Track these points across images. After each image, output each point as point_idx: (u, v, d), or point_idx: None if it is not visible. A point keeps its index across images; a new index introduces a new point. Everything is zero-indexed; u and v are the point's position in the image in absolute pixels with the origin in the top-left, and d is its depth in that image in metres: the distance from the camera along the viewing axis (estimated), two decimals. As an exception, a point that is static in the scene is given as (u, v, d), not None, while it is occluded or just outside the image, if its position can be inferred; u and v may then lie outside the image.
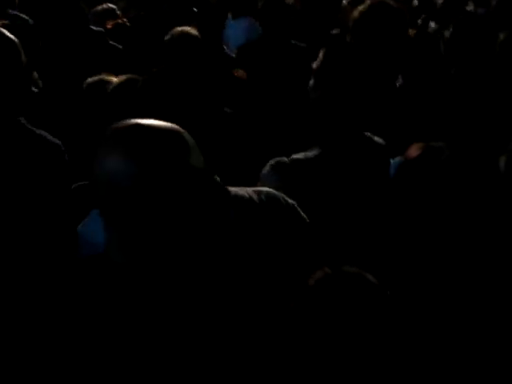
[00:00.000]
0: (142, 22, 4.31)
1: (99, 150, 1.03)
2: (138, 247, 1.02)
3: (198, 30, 3.20)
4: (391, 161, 2.00)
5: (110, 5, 4.87)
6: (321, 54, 1.90)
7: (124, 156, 0.98)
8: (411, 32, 3.15)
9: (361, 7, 2.49)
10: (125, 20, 4.45)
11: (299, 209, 1.29)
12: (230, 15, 4.59)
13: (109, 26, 4.18)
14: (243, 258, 1.15)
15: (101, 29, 3.96)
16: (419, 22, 5.50)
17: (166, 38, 3.07)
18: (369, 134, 1.96)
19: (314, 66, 1.93)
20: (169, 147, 1.01)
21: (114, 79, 2.31)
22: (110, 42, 3.84)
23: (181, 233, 1.02)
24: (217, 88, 2.90)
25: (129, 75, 2.23)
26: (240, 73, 3.24)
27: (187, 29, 3.13)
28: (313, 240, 1.29)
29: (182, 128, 1.05)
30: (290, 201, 1.28)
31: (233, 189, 1.20)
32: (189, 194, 1.01)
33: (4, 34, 1.92)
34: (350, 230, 1.79)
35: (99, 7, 4.71)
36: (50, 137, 2.00)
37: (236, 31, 4.40)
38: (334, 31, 3.97)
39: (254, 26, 4.25)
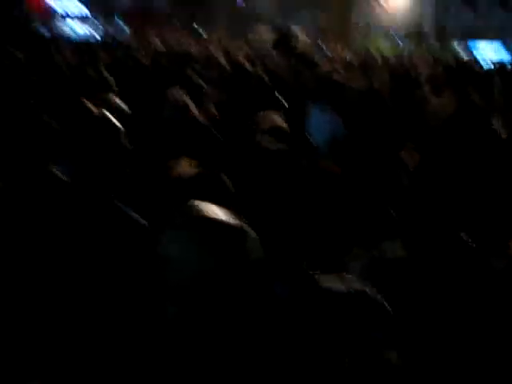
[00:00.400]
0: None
1: (169, 231, 1.16)
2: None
3: (283, 117, 3.23)
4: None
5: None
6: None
7: (197, 247, 1.10)
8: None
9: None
10: None
11: (385, 303, 1.30)
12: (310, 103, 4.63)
13: None
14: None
15: None
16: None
17: (251, 122, 3.08)
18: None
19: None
20: (236, 242, 1.12)
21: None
22: None
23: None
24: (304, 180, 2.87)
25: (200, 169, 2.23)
26: (332, 167, 3.21)
27: (276, 119, 3.15)
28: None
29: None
30: (378, 296, 1.31)
31: (322, 277, 1.27)
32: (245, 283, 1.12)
33: None
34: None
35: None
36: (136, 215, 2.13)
37: (319, 121, 4.34)
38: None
39: (337, 119, 4.27)
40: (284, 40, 6.26)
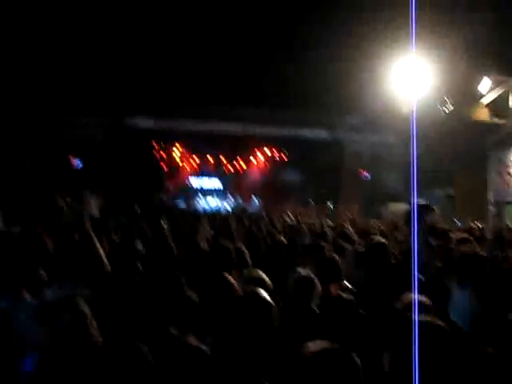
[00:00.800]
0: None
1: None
2: None
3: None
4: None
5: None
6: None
7: None
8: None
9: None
10: None
11: None
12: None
13: None
14: None
15: None
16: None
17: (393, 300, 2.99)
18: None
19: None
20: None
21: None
22: None
23: None
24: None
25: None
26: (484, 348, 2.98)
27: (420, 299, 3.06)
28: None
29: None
30: None
31: None
32: None
33: None
34: None
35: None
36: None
37: (460, 300, 4.23)
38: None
39: (477, 296, 4.13)
40: (417, 215, 6.14)
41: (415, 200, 4.63)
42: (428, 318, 2.70)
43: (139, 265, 4.48)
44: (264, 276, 3.80)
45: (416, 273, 4.51)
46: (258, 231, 8.27)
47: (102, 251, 2.81)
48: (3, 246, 3.47)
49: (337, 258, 4.99)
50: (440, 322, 2.64)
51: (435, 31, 13.09)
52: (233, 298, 2.44)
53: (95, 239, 2.78)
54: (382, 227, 8.89)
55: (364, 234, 7.68)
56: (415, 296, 3.33)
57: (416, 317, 2.71)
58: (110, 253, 4.91)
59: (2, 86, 16.38)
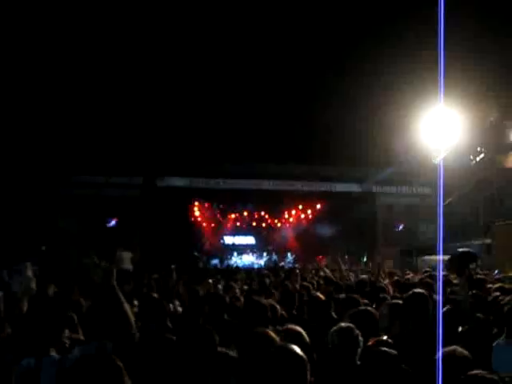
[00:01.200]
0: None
1: None
2: None
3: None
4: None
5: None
6: None
7: None
8: None
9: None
10: None
11: None
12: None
13: None
14: None
15: None
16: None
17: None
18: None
19: None
20: None
21: None
22: None
23: None
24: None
25: None
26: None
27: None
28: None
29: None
30: None
31: None
32: None
33: None
34: None
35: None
36: None
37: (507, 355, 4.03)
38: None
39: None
40: (458, 262, 5.95)
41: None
42: (474, 373, 2.57)
43: (169, 323, 4.44)
44: (300, 330, 3.71)
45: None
46: (293, 286, 8.16)
47: (129, 310, 2.76)
48: (38, 308, 3.49)
49: (373, 311, 4.85)
50: (489, 375, 2.50)
51: (464, 80, 13.11)
52: (267, 353, 2.38)
53: (122, 298, 2.73)
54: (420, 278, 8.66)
55: (400, 285, 7.49)
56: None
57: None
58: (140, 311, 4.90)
59: (43, 147, 16.88)
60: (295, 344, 2.51)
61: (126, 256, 14.19)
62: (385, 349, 3.61)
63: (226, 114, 18.59)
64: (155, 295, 5.24)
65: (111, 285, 2.73)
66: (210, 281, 9.23)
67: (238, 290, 7.79)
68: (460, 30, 10.55)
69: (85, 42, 15.36)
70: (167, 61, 16.60)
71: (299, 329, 3.80)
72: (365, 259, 20.75)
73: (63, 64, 15.65)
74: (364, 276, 8.98)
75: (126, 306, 2.76)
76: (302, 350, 2.45)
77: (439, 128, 15.50)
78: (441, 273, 7.42)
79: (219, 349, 3.10)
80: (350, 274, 10.95)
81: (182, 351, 2.92)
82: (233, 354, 3.13)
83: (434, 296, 5.99)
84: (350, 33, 15.94)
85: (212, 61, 16.79)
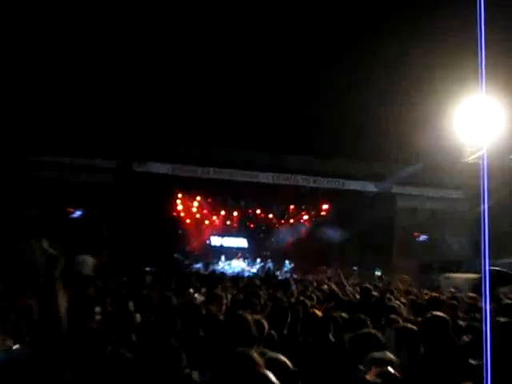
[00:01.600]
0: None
1: None
2: None
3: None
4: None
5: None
6: None
7: None
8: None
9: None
10: None
11: None
12: None
13: None
14: None
15: None
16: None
17: None
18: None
19: None
20: None
21: None
22: None
23: None
24: None
25: None
26: None
27: None
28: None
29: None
30: None
31: None
32: None
33: None
34: None
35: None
36: None
37: None
38: None
39: None
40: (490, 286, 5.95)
41: (487, 268, 4.47)
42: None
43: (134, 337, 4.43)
44: (284, 360, 3.71)
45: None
46: (287, 300, 8.15)
47: (62, 309, 2.68)
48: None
49: (378, 334, 4.85)
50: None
51: (508, 67, 13.07)
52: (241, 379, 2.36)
53: (58, 293, 2.66)
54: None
55: (415, 306, 7.50)
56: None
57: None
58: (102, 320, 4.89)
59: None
60: (277, 374, 2.51)
61: (88, 261, 14.30)
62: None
63: (220, 88, 18.49)
64: (131, 305, 5.26)
65: (53, 276, 2.68)
66: (192, 290, 9.23)
67: (225, 301, 7.78)
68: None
69: (61, 23, 15.42)
70: (154, 40, 16.62)
71: (282, 358, 3.80)
72: (379, 273, 20.71)
73: (32, 39, 15.68)
74: (374, 293, 8.99)
75: (60, 304, 2.69)
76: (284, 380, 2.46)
77: (476, 121, 15.39)
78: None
79: (186, 370, 3.09)
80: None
81: (140, 370, 2.90)
82: (195, 377, 3.12)
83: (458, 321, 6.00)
84: (376, 17, 15.92)
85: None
